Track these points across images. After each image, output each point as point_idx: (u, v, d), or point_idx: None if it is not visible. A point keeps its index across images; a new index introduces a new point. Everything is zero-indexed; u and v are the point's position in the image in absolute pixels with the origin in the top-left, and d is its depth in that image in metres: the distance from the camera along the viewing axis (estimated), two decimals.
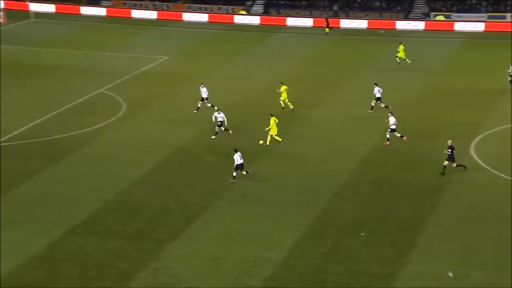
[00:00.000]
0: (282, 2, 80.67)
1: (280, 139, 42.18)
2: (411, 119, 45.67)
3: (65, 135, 43.76)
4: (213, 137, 43.53)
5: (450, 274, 28.79)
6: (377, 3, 78.98)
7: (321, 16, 75.46)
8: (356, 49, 66.31)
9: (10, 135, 43.46)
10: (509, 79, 51.90)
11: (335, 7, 79.26)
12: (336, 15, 77.15)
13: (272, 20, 77.80)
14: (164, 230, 32.99)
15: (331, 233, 32.48)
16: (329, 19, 72.44)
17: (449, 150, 37.65)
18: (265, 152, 41.50)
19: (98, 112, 47.75)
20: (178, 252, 31.12)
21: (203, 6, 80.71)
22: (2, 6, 77.76)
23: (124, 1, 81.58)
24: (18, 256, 30.39)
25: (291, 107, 47.48)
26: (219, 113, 43.79)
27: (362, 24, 74.97)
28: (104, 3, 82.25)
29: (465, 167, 38.43)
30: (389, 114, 42.39)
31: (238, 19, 78.05)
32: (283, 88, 48.00)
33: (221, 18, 77.87)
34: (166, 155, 41.39)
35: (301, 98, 49.04)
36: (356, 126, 45.46)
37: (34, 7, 79.56)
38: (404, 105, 48.42)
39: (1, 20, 73.60)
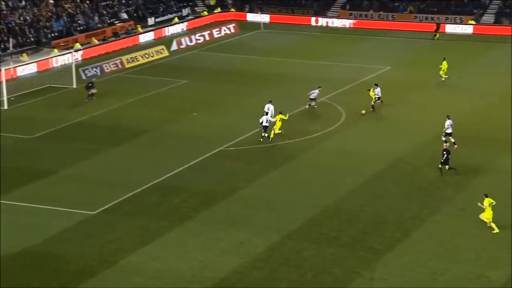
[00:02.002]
0: None
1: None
2: None
3: (287, 141, 44.41)
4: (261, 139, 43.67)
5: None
6: None
7: None
8: None
9: (237, 140, 44.84)
10: None
11: None
12: None
13: (501, 30, 74.17)
14: (380, 240, 32.30)
15: None
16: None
17: (444, 153, 38.72)
18: (490, 167, 39.50)
19: (318, 120, 48.00)
20: (394, 264, 30.29)
21: (429, 16, 78.74)
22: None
23: (350, 12, 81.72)
24: (240, 257, 31.09)
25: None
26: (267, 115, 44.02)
27: None
28: (329, 13, 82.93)
29: (455, 170, 38.46)
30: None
31: (463, 28, 75.43)
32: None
33: (442, 28, 75.59)
34: (384, 165, 40.67)
35: None
36: None
37: (252, 17, 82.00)
38: None
39: (234, 30, 76.57)
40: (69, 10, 72.91)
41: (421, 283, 28.91)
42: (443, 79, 55.90)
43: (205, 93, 54.57)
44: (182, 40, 71.21)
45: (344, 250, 31.51)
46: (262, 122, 44.15)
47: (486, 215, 32.88)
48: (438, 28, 73.03)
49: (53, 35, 68.91)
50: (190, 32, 75.09)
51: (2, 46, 63.76)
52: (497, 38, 71.63)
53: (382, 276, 29.47)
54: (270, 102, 46.35)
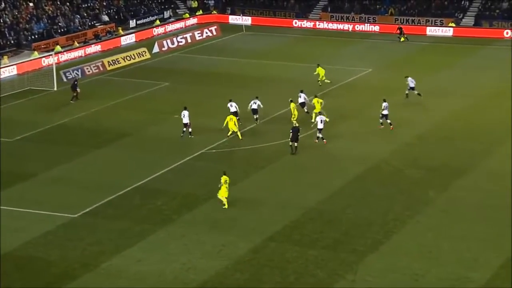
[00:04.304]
0: (496, 14, 77.34)
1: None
2: None
3: (268, 144, 44.41)
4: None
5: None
6: None
7: None
8: None
9: (219, 142, 44.78)
10: None
11: None
12: None
13: (484, 32, 74.68)
14: (362, 242, 32.39)
15: None
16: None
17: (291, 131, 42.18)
18: (473, 168, 39.76)
19: (300, 121, 47.99)
20: (376, 265, 30.38)
21: (410, 18, 79.12)
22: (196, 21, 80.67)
23: (331, 14, 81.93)
24: (224, 259, 31.03)
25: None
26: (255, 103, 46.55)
27: None
28: (311, 16, 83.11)
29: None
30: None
31: (444, 31, 75.99)
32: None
33: (416, 30, 76.03)
34: (366, 167, 40.80)
35: None
36: None
37: (234, 19, 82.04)
38: None
39: (216, 33, 76.54)
40: (50, 12, 72.50)
41: (403, 284, 29.02)
42: (320, 84, 55.81)
43: (186, 95, 54.47)
44: (164, 42, 71.06)
45: (326, 252, 31.55)
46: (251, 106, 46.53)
47: (222, 193, 35.39)
48: (401, 30, 73.34)
49: (33, 37, 68.52)
50: (171, 34, 74.95)
51: None
52: (477, 41, 72.13)
53: (364, 277, 29.54)
54: (256, 98, 47.64)
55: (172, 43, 71.66)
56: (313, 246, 32.06)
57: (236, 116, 45.85)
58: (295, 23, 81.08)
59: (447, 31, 76.27)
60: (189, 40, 73.28)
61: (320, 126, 44.15)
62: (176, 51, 70.00)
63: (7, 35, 66.85)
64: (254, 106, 47.29)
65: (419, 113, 50.03)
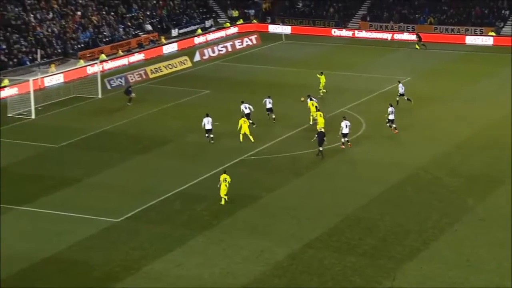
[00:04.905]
0: None
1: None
2: None
3: (309, 150, 44.23)
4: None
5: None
6: None
7: None
8: None
9: (258, 149, 44.76)
10: None
11: None
12: None
13: None
14: (400, 249, 32.02)
15: None
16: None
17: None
18: (505, 176, 39.11)
19: (339, 130, 47.74)
20: (414, 273, 30.00)
21: (450, 27, 78.31)
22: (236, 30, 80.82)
23: (370, 23, 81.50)
24: (262, 265, 30.93)
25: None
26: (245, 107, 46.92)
27: None
28: (350, 25, 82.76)
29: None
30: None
31: (483, 40, 74.99)
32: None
33: (455, 39, 75.14)
34: (404, 174, 40.39)
35: None
36: None
37: (274, 28, 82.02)
38: None
39: (256, 42, 76.63)
40: (95, 22, 73.40)
41: None
42: (321, 94, 55.21)
43: (227, 103, 54.58)
44: (205, 51, 71.36)
45: (364, 258, 31.25)
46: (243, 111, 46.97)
47: (222, 191, 36.29)
48: (419, 37, 72.79)
49: (79, 46, 69.39)
50: (212, 43, 75.26)
51: (31, 57, 64.26)
52: None
53: (401, 285, 29.19)
54: (269, 97, 49.65)
55: (213, 51, 71.92)
56: (351, 253, 31.78)
57: (249, 118, 46.52)
58: (334, 32, 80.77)
59: (487, 40, 75.25)
60: (229, 49, 73.47)
61: (345, 131, 43.96)
62: (217, 60, 70.23)
63: (55, 44, 67.80)
64: (269, 106, 48.86)
65: (458, 121, 49.41)
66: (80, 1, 74.77)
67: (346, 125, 44.04)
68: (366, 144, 45.57)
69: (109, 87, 59.57)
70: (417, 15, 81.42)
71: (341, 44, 76.62)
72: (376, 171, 41.17)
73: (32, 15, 69.28)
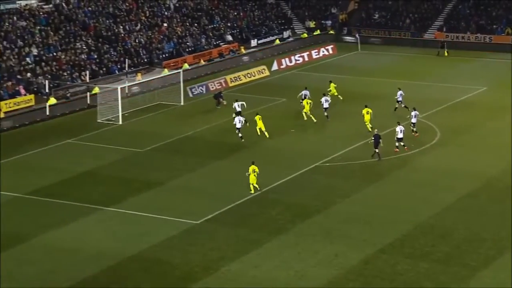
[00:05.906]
0: None
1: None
2: None
3: (382, 159, 43.75)
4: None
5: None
6: None
7: None
8: None
9: (332, 156, 44.58)
10: None
11: None
12: None
13: None
14: (474, 257, 31.36)
15: None
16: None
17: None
18: None
19: (413, 139, 47.10)
20: (489, 281, 29.35)
21: None
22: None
23: (446, 34, 79.97)
24: (336, 269, 30.83)
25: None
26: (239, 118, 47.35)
27: None
28: (426, 35, 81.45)
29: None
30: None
31: None
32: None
33: None
34: (478, 183, 39.56)
35: None
36: None
37: (350, 39, 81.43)
38: None
39: (332, 52, 76.37)
40: (179, 33, 74.64)
41: None
42: (340, 98, 55.00)
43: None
44: (282, 60, 71.55)
45: (437, 265, 30.71)
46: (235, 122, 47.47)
47: (251, 180, 38.16)
48: (444, 45, 72.04)
49: (164, 56, 70.68)
50: (290, 53, 75.39)
51: (119, 66, 65.86)
52: None
53: None
54: (324, 95, 51.26)
55: (290, 61, 72.01)
56: (424, 259, 31.29)
57: (241, 116, 48.09)
58: (411, 42, 79.44)
59: None
60: (306, 59, 73.43)
61: (400, 135, 44.02)
62: (294, 69, 70.31)
63: (141, 54, 69.29)
64: (326, 105, 50.37)
65: None
66: (166, 13, 76.21)
67: (401, 130, 44.09)
68: (439, 153, 44.78)
69: (190, 94, 60.44)
70: (494, 26, 79.49)
71: (417, 54, 75.48)
72: (449, 180, 40.42)
73: (121, 27, 71.01)
